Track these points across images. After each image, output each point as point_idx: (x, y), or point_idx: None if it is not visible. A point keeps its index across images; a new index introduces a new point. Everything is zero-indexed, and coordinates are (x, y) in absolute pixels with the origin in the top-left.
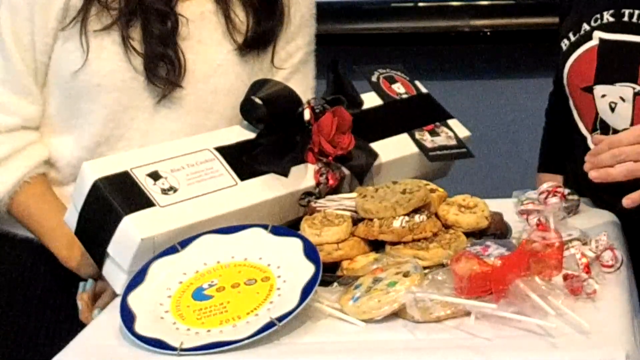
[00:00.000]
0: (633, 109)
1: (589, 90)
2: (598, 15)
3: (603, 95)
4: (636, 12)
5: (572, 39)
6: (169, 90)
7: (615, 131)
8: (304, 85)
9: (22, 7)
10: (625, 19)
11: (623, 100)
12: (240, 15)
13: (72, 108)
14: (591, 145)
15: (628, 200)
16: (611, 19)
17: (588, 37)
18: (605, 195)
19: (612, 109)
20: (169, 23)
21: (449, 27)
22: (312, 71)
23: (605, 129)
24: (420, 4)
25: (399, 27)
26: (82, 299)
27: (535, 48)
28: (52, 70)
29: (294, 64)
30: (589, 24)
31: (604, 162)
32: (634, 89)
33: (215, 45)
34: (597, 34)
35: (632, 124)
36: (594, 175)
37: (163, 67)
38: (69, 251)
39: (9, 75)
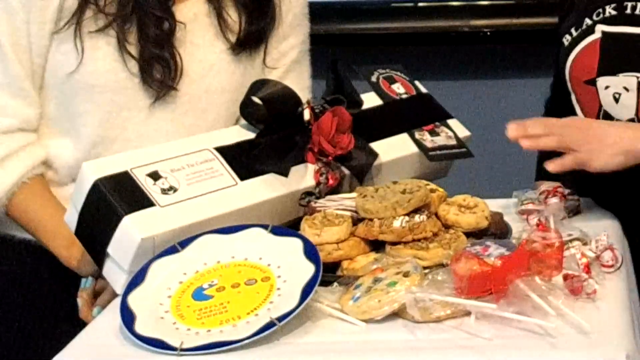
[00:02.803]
0: (637, 98)
1: (592, 82)
2: (600, 10)
3: (607, 87)
4: (639, 4)
5: (574, 34)
6: (164, 92)
7: None
8: (299, 84)
9: (19, 9)
10: (628, 11)
11: (627, 90)
12: (232, 15)
13: (68, 109)
14: None
15: (552, 165)
16: (613, 12)
17: (590, 30)
18: (605, 195)
19: (617, 100)
20: (166, 26)
21: (449, 27)
22: (308, 71)
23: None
24: (420, 4)
25: (399, 27)
26: (81, 297)
27: (535, 48)
28: (48, 72)
29: (287, 64)
30: (590, 18)
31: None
32: (637, 77)
33: (208, 46)
34: (600, 27)
35: (636, 114)
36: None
37: (158, 70)
38: (69, 251)
39: (6, 78)
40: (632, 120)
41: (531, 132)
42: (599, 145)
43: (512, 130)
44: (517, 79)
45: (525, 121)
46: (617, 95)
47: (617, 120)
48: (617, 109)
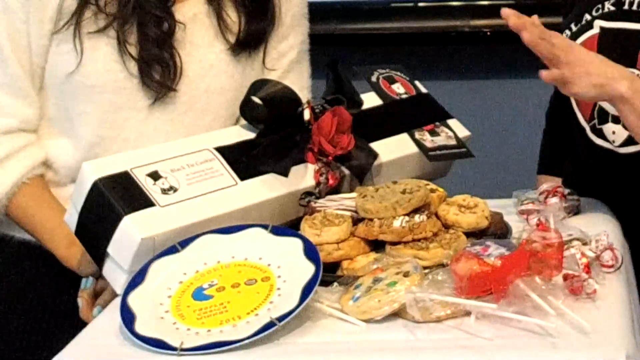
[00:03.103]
0: None
1: None
2: (599, 5)
3: None
4: (637, 0)
5: (574, 29)
6: (163, 93)
7: (615, 118)
8: (298, 84)
9: (18, 9)
10: (626, 7)
11: None
12: (232, 16)
13: (67, 109)
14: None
15: (545, 73)
16: (612, 8)
17: (589, 26)
18: (605, 195)
19: None
20: (165, 26)
21: (449, 27)
22: (307, 71)
23: (603, 117)
24: (420, 4)
25: (399, 27)
26: (82, 297)
27: None
28: (48, 72)
29: (286, 64)
30: (590, 14)
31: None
32: (633, 73)
33: (208, 46)
34: (598, 23)
35: None
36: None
37: (158, 70)
38: (69, 250)
39: (6, 78)
40: None
41: (530, 29)
42: (583, 72)
43: (512, 18)
44: (517, 79)
45: (524, 17)
46: None
47: (613, 115)
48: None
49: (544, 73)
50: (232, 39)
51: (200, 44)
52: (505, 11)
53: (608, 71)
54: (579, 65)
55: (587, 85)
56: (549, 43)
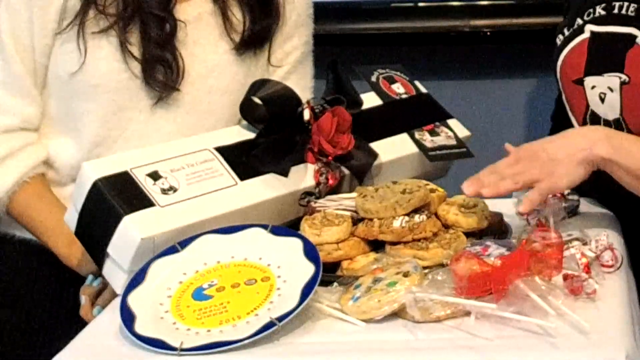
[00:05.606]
0: (621, 99)
1: (580, 82)
2: (591, 10)
3: (593, 87)
4: (626, 4)
5: (566, 33)
6: (166, 93)
7: (606, 122)
8: (301, 84)
9: (21, 8)
10: (616, 11)
11: (611, 90)
12: (237, 15)
13: (69, 109)
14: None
15: (523, 207)
16: (602, 12)
17: (580, 30)
18: (606, 195)
19: (602, 100)
20: (167, 27)
21: (449, 27)
22: (310, 71)
23: (595, 121)
24: (420, 4)
25: (399, 27)
26: (85, 294)
27: (535, 48)
28: (51, 71)
29: (290, 64)
30: (582, 18)
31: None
32: (620, 78)
33: (212, 46)
34: (589, 27)
35: (620, 114)
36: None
37: (161, 71)
38: (69, 249)
39: (8, 77)
40: (617, 120)
41: (486, 181)
42: (554, 165)
43: (468, 187)
44: (517, 79)
45: (477, 174)
46: (602, 95)
47: (605, 120)
48: (603, 109)
49: (521, 207)
50: (237, 38)
51: (205, 44)
52: (465, 185)
53: (575, 147)
54: (549, 163)
55: (569, 172)
56: (508, 176)
